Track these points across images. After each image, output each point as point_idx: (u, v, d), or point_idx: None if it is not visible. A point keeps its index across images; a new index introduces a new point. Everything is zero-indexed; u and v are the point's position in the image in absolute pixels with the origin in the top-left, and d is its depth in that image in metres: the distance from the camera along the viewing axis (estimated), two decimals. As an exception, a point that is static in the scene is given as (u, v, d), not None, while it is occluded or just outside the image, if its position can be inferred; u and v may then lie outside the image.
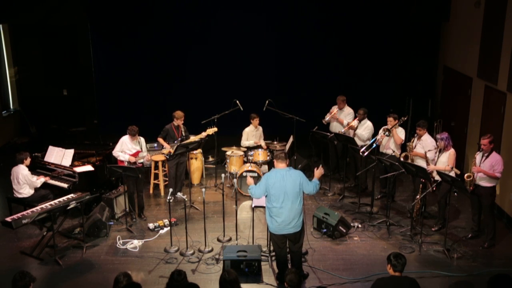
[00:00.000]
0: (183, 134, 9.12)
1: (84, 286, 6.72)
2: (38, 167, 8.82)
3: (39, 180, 8.25)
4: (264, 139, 10.21)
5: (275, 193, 6.14)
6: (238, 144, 10.10)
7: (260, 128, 10.10)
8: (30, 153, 8.40)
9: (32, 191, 8.16)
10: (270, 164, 9.71)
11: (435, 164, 7.72)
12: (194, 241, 7.66)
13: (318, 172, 6.50)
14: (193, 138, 9.19)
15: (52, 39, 12.77)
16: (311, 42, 12.19)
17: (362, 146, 8.97)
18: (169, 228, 7.83)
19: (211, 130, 9.25)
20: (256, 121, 9.92)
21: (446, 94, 11.30)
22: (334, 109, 9.87)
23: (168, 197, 7.45)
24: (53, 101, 13.01)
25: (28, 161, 8.14)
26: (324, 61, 12.27)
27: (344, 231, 7.84)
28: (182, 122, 9.03)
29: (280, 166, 6.27)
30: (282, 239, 6.32)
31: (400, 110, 10.95)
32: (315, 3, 11.98)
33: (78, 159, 9.08)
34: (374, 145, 8.67)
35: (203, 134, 9.22)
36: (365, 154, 8.56)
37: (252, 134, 10.01)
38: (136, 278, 6.66)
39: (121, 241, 7.72)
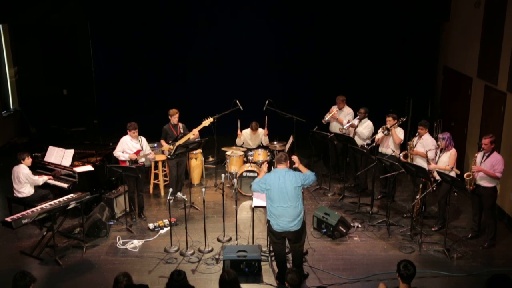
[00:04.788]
0: (182, 132, 9.09)
1: (84, 286, 6.73)
2: (38, 167, 8.82)
3: (41, 178, 8.26)
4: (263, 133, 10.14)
5: (275, 193, 6.18)
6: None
7: (261, 132, 10.04)
8: (30, 153, 8.40)
9: (32, 191, 8.16)
10: (270, 164, 9.70)
11: (436, 164, 7.72)
12: (194, 241, 7.66)
13: (297, 163, 6.53)
14: (189, 134, 9.05)
15: (52, 39, 12.76)
16: (311, 42, 12.20)
17: (362, 146, 9.00)
18: (169, 228, 7.83)
19: (207, 122, 9.15)
20: (254, 130, 9.87)
21: (446, 94, 11.30)
22: (334, 109, 9.87)
23: (168, 197, 7.45)
24: (53, 101, 13.00)
25: (28, 160, 8.14)
26: (324, 61, 12.28)
27: (344, 231, 7.84)
28: (178, 119, 9.00)
29: (280, 167, 6.30)
30: (280, 238, 6.33)
31: (400, 110, 10.96)
32: (315, 3, 11.99)
33: (78, 159, 9.08)
34: (373, 144, 8.72)
35: (200, 127, 9.12)
36: (368, 148, 8.68)
37: (249, 138, 10.00)
38: (136, 278, 6.66)
39: (121, 241, 7.72)
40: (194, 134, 9.03)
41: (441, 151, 7.75)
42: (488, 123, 9.00)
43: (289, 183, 6.18)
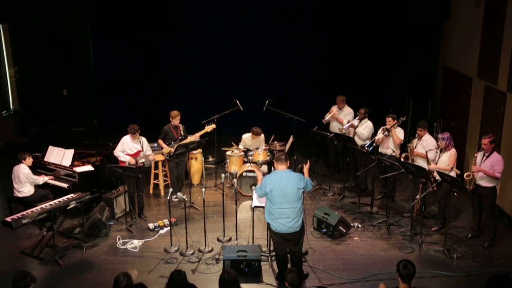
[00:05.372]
0: (182, 134, 9.11)
1: (84, 286, 6.72)
2: (38, 167, 8.82)
3: (41, 178, 8.26)
4: (264, 139, 10.18)
5: (274, 195, 6.15)
6: (237, 144, 10.12)
7: (261, 137, 10.07)
8: (31, 153, 8.40)
9: (32, 190, 8.16)
10: (270, 164, 9.71)
11: (436, 164, 7.72)
12: (194, 241, 7.66)
13: (306, 169, 6.59)
14: (191, 138, 9.16)
15: (52, 39, 12.77)
16: (311, 42, 12.21)
17: (362, 146, 9.01)
18: (169, 228, 7.83)
19: (209, 127, 9.24)
20: (255, 135, 9.88)
21: (446, 94, 11.30)
22: (334, 108, 9.87)
23: (172, 197, 7.43)
24: (53, 101, 13.01)
25: (29, 160, 8.14)
26: (324, 61, 12.29)
27: (344, 231, 7.84)
28: (179, 121, 9.02)
29: (281, 167, 6.28)
30: (281, 239, 6.33)
31: (400, 110, 10.96)
32: (315, 3, 11.99)
33: (78, 159, 9.08)
34: (374, 144, 8.72)
35: (201, 132, 9.20)
36: (369, 149, 8.68)
37: (249, 143, 10.01)
38: (136, 278, 6.66)
39: (121, 241, 7.72)
40: (196, 139, 9.08)
41: (441, 151, 7.75)
42: (488, 123, 9.00)
43: (292, 185, 6.13)
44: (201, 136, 9.26)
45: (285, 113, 9.81)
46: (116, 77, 12.39)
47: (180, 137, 9.04)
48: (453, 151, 7.66)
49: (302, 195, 6.22)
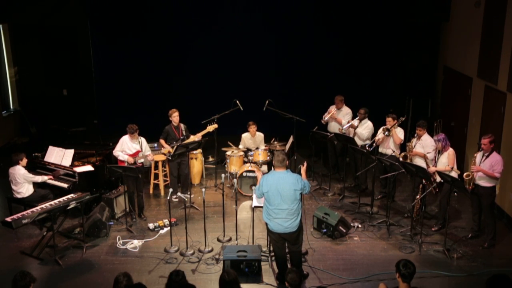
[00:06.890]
0: (184, 133, 9.12)
1: (84, 286, 6.73)
2: (38, 167, 8.82)
3: (39, 176, 8.25)
4: (264, 139, 10.17)
5: (271, 195, 6.16)
6: (237, 144, 10.12)
7: (260, 136, 10.06)
8: (29, 153, 8.39)
9: (31, 190, 8.15)
10: (270, 164, 9.71)
11: (435, 165, 7.71)
12: (194, 241, 7.66)
13: (303, 170, 6.55)
14: (193, 138, 9.19)
15: (52, 39, 12.77)
16: (311, 42, 12.21)
17: (362, 146, 9.01)
18: (169, 228, 7.83)
19: (211, 127, 9.25)
20: (252, 129, 9.89)
21: (446, 94, 11.30)
22: (332, 108, 9.88)
23: (172, 197, 7.41)
24: (53, 101, 13.00)
25: (24, 161, 8.12)
26: (324, 61, 12.29)
27: (344, 231, 7.84)
28: (179, 119, 9.01)
29: (279, 168, 6.27)
30: (279, 238, 6.33)
31: (400, 110, 10.97)
32: (315, 3, 11.99)
33: (78, 159, 9.07)
34: (374, 144, 8.72)
35: (203, 132, 9.22)
36: (370, 149, 8.69)
37: (249, 143, 10.01)
38: (136, 278, 6.65)
39: (121, 241, 7.72)
40: (198, 138, 9.08)
41: (439, 153, 7.75)
42: (488, 123, 9.00)
43: (289, 185, 6.12)
44: (202, 136, 9.26)
45: (285, 113, 9.81)
46: (116, 77, 12.39)
47: (182, 137, 9.05)
48: (450, 151, 7.65)
49: (299, 196, 6.21)
